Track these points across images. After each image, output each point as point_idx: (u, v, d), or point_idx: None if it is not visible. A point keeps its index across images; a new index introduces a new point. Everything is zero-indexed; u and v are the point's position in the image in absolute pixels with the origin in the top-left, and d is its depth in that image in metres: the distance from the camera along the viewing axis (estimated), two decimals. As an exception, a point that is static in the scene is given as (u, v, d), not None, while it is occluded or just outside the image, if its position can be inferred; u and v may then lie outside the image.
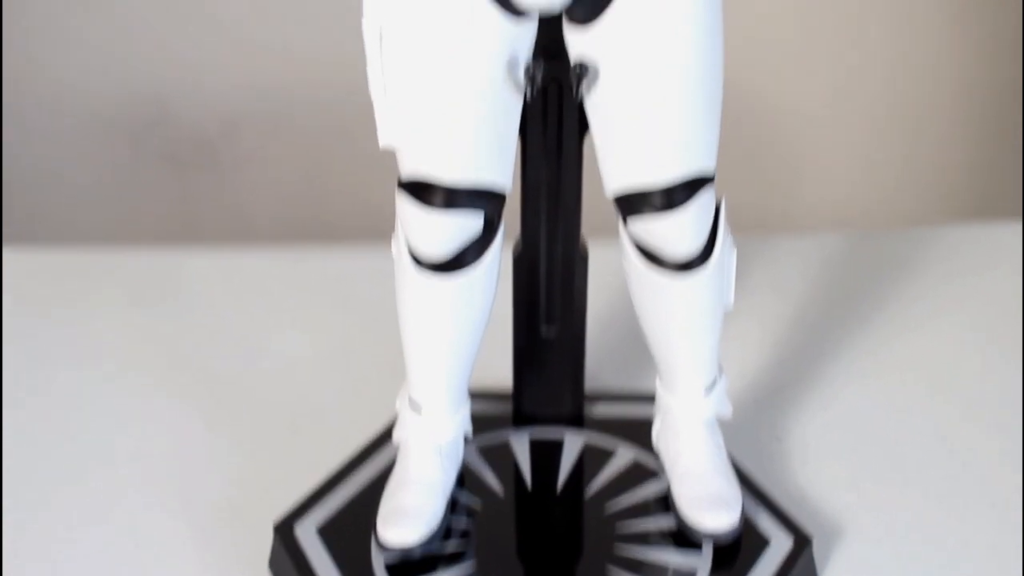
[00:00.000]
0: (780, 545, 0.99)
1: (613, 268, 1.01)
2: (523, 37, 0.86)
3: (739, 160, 1.65)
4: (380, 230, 1.16)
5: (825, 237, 1.48)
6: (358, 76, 0.91)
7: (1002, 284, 1.38)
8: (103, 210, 1.75)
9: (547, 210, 1.03)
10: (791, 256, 1.44)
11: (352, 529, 1.00)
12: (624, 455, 1.08)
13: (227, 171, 1.74)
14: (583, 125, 0.97)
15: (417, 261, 0.92)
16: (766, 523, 1.01)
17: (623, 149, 0.88)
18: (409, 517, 0.96)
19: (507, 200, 0.92)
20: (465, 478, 1.05)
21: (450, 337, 0.96)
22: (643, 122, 0.86)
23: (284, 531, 1.01)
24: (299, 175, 1.75)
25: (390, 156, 0.92)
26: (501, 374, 1.14)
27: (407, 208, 0.90)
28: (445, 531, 0.99)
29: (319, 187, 1.75)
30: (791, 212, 1.74)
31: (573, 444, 1.09)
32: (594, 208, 1.06)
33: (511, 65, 0.86)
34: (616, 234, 0.95)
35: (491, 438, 1.10)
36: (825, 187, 1.75)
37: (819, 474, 1.11)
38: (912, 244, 1.46)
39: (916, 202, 1.75)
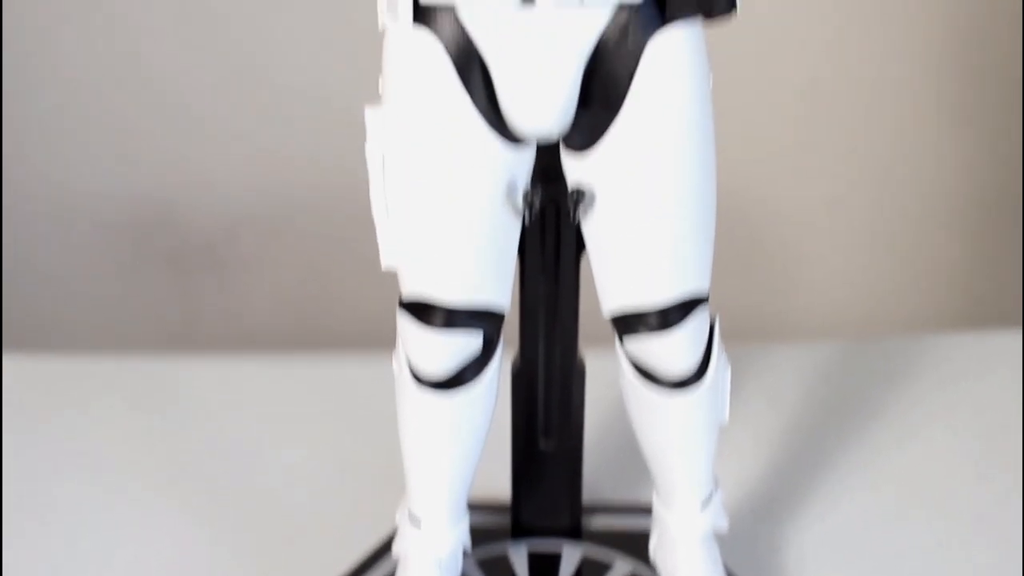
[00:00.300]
0: (777, 660, 0.99)
1: (611, 379, 1.02)
2: (522, 163, 0.89)
3: (735, 266, 1.67)
4: (381, 335, 1.18)
5: (820, 346, 1.49)
6: (359, 183, 0.93)
7: (1001, 393, 1.39)
8: (104, 313, 1.77)
9: (545, 327, 1.05)
10: (786, 365, 1.45)
11: (351, 643, 1.01)
12: (622, 568, 1.08)
13: (228, 275, 1.76)
14: (580, 244, 0.99)
15: (417, 378, 0.94)
16: (763, 638, 1.01)
17: (619, 271, 0.90)
18: (408, 632, 0.97)
19: (506, 316, 0.94)
20: (464, 591, 1.05)
21: (450, 453, 0.97)
22: (639, 246, 0.89)
23: (283, 645, 1.01)
24: (300, 280, 1.77)
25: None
26: (499, 486, 1.14)
27: (408, 327, 0.92)
28: (444, 646, 0.99)
29: (320, 292, 1.77)
30: (787, 317, 1.75)
31: (571, 556, 1.10)
32: (593, 318, 1.08)
33: (510, 190, 0.88)
34: (614, 345, 0.97)
35: (489, 550, 1.10)
36: (821, 293, 1.76)
37: (816, 586, 1.12)
38: (909, 352, 1.47)
39: (914, 309, 1.76)
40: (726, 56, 1.05)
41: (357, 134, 0.91)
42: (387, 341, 1.00)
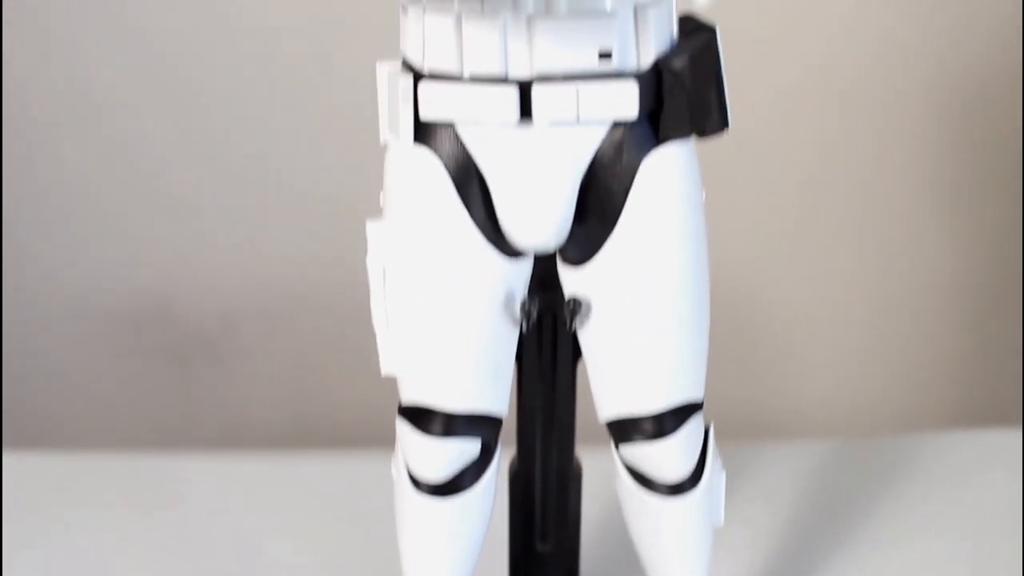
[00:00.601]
0: None
1: (607, 476, 1.03)
2: (519, 275, 0.91)
3: (731, 362, 1.68)
4: (381, 428, 1.19)
5: (816, 444, 1.50)
6: (358, 279, 0.95)
7: (1000, 493, 1.38)
8: (103, 407, 1.77)
9: (542, 430, 1.06)
10: (781, 464, 1.45)
11: None
12: (618, 670, 1.08)
13: (227, 368, 1.77)
14: (576, 351, 1.01)
15: (416, 483, 0.96)
16: None
17: (615, 379, 0.93)
18: None
19: (503, 422, 0.96)
20: None
21: (448, 555, 0.98)
22: (634, 355, 0.91)
23: None
24: (299, 373, 1.78)
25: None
26: (497, 586, 1.15)
27: (407, 433, 0.94)
28: None
29: (319, 385, 1.78)
30: (783, 413, 1.76)
31: (568, 658, 1.10)
32: (590, 416, 1.09)
33: (508, 301, 0.90)
34: (611, 446, 0.98)
35: (487, 652, 1.10)
36: (818, 389, 1.77)
37: None
38: (906, 451, 1.47)
39: (912, 406, 1.76)
40: (723, 154, 1.07)
41: (356, 229, 0.93)
42: (386, 435, 1.01)
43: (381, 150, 0.92)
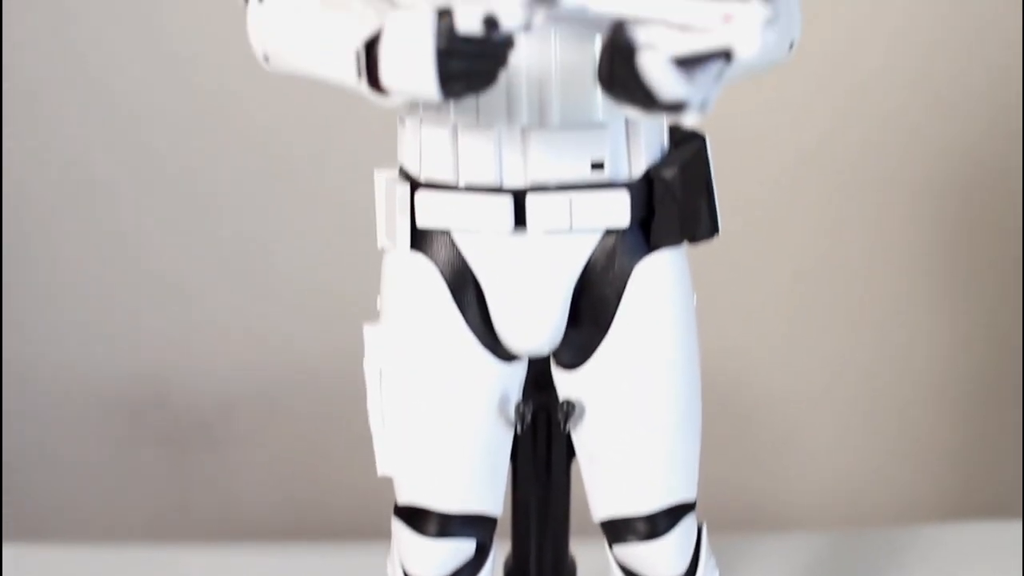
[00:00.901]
0: None
1: (601, 572, 1.04)
2: (514, 377, 0.93)
3: (724, 451, 1.68)
4: (380, 517, 1.19)
5: (810, 536, 1.50)
6: (355, 365, 0.97)
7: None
8: (103, 497, 1.77)
9: (537, 528, 1.07)
10: (775, 556, 1.45)
11: None
12: None
13: (224, 454, 1.77)
14: (571, 451, 1.03)
15: (411, 583, 0.96)
16: None
17: (608, 480, 0.94)
18: None
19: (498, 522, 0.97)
20: None
21: (443, 654, 0.99)
22: (627, 457, 0.92)
23: None
24: (297, 459, 1.78)
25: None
26: None
27: (402, 533, 0.95)
28: None
29: (317, 472, 1.78)
30: (778, 504, 1.76)
31: None
32: (585, 511, 1.10)
33: (502, 404, 0.92)
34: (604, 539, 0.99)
35: None
36: (813, 480, 1.77)
37: None
38: (903, 543, 1.46)
39: (909, 496, 1.76)
40: (717, 244, 1.09)
41: (354, 318, 0.95)
42: (386, 525, 1.02)
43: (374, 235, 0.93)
